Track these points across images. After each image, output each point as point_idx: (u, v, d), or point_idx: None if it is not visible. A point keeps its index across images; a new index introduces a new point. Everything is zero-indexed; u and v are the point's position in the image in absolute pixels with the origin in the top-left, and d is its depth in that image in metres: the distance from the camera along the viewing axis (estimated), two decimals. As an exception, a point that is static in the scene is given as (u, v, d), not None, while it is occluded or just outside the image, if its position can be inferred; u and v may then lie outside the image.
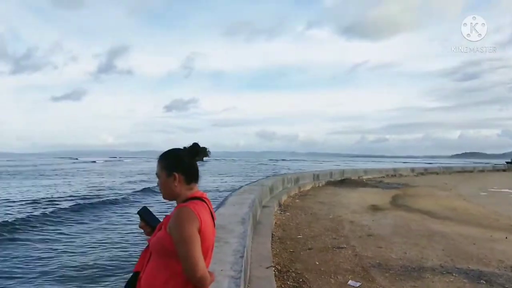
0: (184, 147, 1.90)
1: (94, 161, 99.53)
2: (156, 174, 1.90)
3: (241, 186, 11.72)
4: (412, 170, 34.87)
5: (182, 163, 1.85)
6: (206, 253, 1.73)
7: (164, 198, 1.90)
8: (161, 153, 1.91)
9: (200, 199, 1.82)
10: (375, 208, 11.95)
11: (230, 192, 10.35)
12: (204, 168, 53.45)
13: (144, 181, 33.68)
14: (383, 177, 27.89)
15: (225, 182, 33.79)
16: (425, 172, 35.54)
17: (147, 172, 48.20)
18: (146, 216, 1.99)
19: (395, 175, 29.89)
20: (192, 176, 1.86)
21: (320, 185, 19.56)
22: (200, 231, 1.68)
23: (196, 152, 1.89)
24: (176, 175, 1.81)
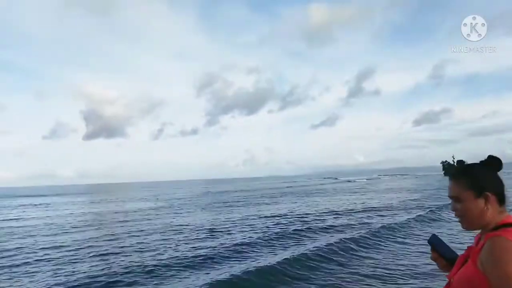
0: (481, 161, 1.44)
1: (353, 181, 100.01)
2: (453, 196, 1.43)
3: None
4: None
5: (492, 180, 1.39)
6: None
7: (466, 226, 1.42)
8: (457, 169, 1.47)
9: None
10: None
11: None
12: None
13: (415, 200, 27.69)
14: None
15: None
16: None
17: (412, 190, 42.65)
18: (437, 245, 1.63)
19: None
20: (503, 196, 1.39)
21: None
22: None
23: (499, 165, 1.41)
24: (489, 195, 1.36)
